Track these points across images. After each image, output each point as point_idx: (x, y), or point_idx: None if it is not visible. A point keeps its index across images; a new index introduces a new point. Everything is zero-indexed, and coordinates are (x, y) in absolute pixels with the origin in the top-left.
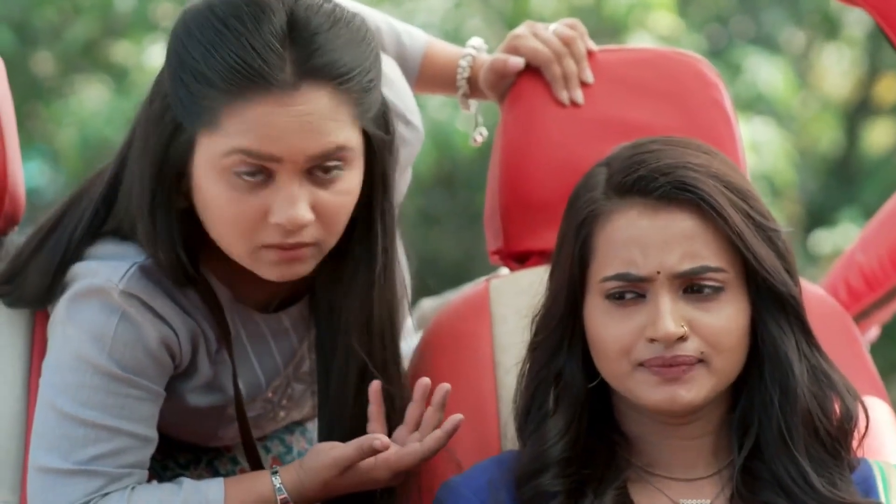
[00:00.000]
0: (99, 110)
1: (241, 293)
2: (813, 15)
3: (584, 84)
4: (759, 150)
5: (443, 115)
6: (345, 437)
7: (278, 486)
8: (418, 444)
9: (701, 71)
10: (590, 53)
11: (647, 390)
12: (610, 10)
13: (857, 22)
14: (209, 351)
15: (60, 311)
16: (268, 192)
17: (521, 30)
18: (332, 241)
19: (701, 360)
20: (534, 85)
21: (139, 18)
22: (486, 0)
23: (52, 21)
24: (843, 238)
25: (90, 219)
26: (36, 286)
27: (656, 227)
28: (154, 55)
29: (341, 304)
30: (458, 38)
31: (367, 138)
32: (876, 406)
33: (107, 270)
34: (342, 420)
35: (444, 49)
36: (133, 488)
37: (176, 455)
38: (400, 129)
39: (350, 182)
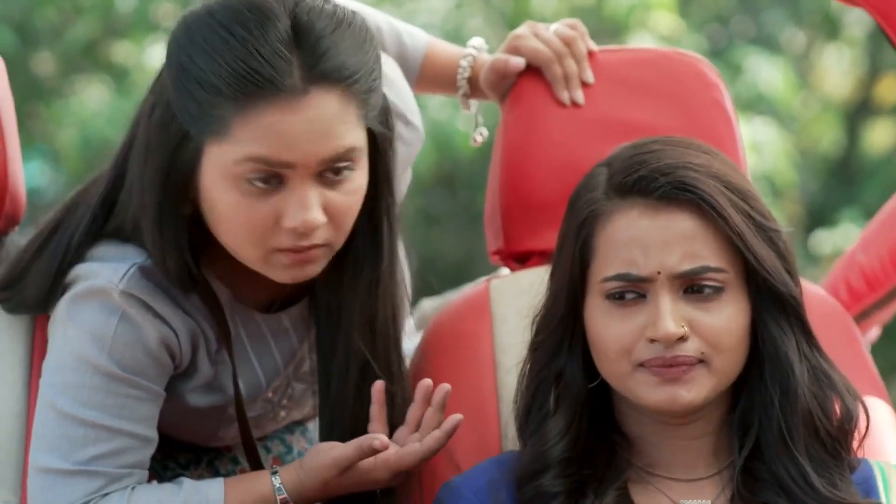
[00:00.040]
0: (100, 110)
1: (241, 293)
2: (813, 15)
3: (584, 84)
4: (760, 151)
5: (443, 115)
6: (345, 437)
7: (278, 485)
8: (418, 444)
9: (701, 71)
10: (590, 53)
11: (647, 390)
12: (610, 11)
13: (858, 22)
14: (209, 351)
15: (61, 311)
16: (280, 196)
17: (522, 30)
18: (341, 240)
19: (701, 361)
20: (535, 85)
21: (140, 19)
22: (487, 0)
23: (52, 21)
24: (843, 238)
25: (89, 222)
26: (36, 290)
27: (657, 227)
28: (155, 55)
29: (342, 303)
30: (458, 38)
31: (371, 136)
32: (876, 406)
33: (107, 271)
34: (342, 420)
35: (445, 49)
36: (133, 488)
37: (176, 455)
38: (400, 129)
39: (358, 181)
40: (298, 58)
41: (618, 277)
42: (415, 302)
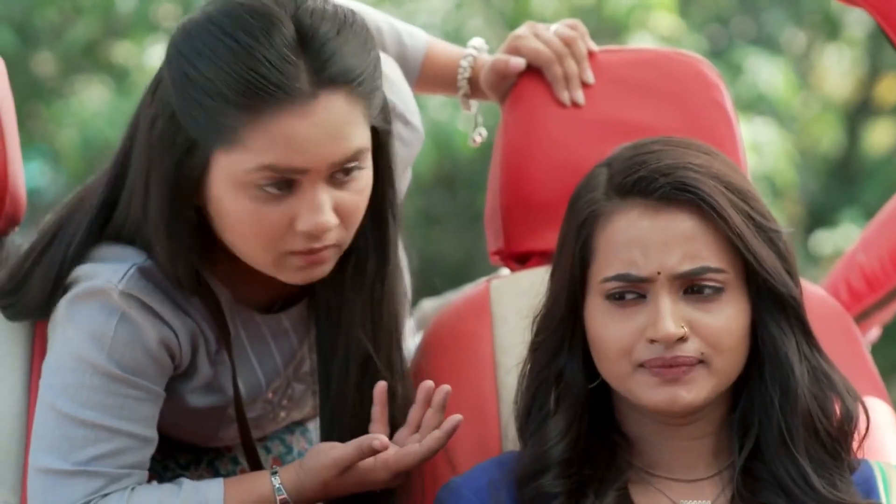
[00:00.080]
0: (100, 111)
1: (241, 294)
2: (814, 15)
3: (584, 84)
4: (760, 151)
5: (443, 116)
6: (345, 437)
7: (278, 486)
8: (417, 444)
9: (702, 71)
10: (591, 54)
11: (647, 391)
12: (611, 11)
13: (858, 22)
14: (209, 351)
15: (60, 312)
16: (292, 200)
17: (523, 30)
18: (349, 239)
19: (701, 361)
20: (535, 85)
21: (140, 19)
22: (488, 0)
23: (53, 21)
24: (843, 239)
25: (88, 228)
26: (38, 295)
27: (657, 227)
28: (155, 56)
29: (343, 302)
30: (459, 38)
31: (373, 132)
32: (876, 407)
33: (106, 272)
34: (342, 420)
35: (446, 49)
36: (133, 489)
37: (176, 455)
38: (399, 129)
39: (366, 179)
40: (305, 62)
41: (618, 278)
42: (415, 302)
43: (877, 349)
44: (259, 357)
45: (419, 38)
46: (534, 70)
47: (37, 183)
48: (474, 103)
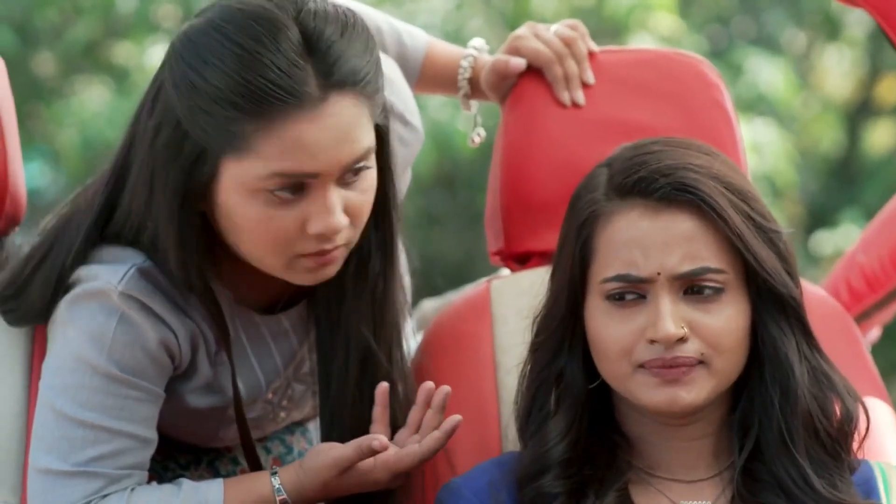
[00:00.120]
0: (100, 111)
1: (242, 295)
2: (814, 15)
3: (585, 85)
4: (760, 151)
5: (443, 116)
6: (345, 438)
7: (277, 486)
8: (417, 445)
9: (702, 72)
10: (591, 54)
11: (647, 392)
12: (611, 11)
13: (858, 22)
14: (209, 352)
15: (60, 312)
16: (303, 203)
17: (523, 31)
18: (357, 238)
19: (701, 362)
20: (535, 86)
21: (140, 19)
22: (488, 1)
23: (53, 21)
24: (844, 239)
25: (87, 231)
26: (39, 300)
27: (657, 228)
28: (155, 56)
29: (343, 301)
30: (459, 38)
31: (376, 131)
32: (877, 407)
33: (106, 273)
34: (342, 420)
35: (446, 49)
36: (132, 489)
37: (176, 456)
38: (399, 129)
39: (372, 178)
40: (313, 66)
41: (618, 278)
42: (415, 302)
43: (877, 349)
44: (259, 358)
45: (419, 39)
46: (534, 70)
47: (37, 183)
48: (474, 103)
